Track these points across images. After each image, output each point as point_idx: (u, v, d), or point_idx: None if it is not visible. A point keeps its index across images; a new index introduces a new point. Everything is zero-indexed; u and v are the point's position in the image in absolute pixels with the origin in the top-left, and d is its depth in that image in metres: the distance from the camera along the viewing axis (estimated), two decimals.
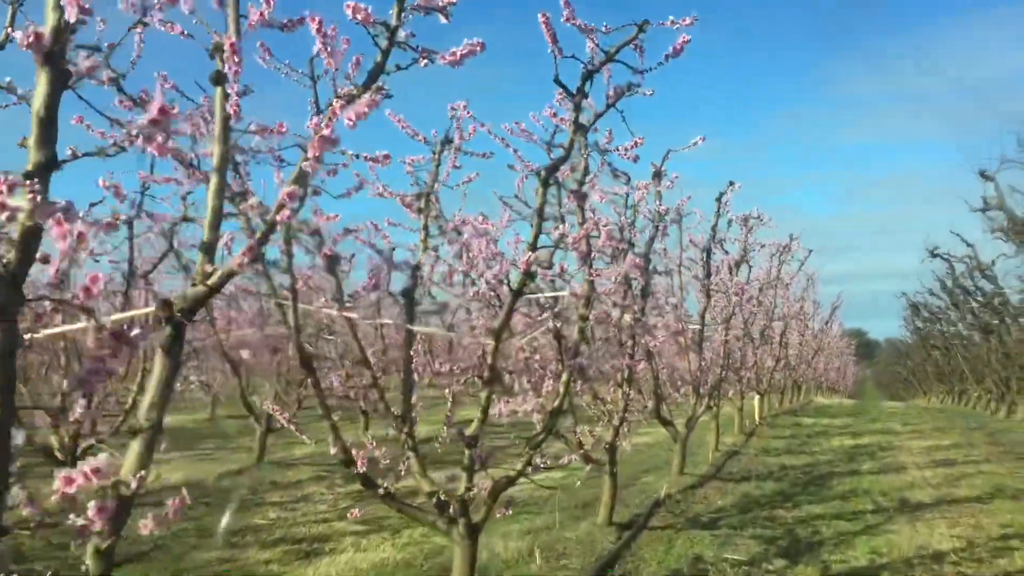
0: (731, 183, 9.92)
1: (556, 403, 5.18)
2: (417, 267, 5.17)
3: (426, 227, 5.41)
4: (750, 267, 15.69)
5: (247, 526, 7.77)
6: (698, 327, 10.20)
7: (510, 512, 4.87)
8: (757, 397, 17.89)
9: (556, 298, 5.46)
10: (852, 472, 11.44)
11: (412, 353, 4.99)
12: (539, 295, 4.86)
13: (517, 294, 4.62)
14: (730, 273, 11.93)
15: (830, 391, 49.57)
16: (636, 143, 5.15)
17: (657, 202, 7.39)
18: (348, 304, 5.10)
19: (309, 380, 4.61)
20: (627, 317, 7.49)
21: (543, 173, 4.52)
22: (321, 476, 10.25)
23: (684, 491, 9.51)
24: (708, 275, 10.24)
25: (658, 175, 7.39)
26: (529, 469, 5.00)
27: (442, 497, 4.73)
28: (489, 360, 4.77)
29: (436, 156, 5.37)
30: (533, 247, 4.54)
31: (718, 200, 10.06)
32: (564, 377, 5.20)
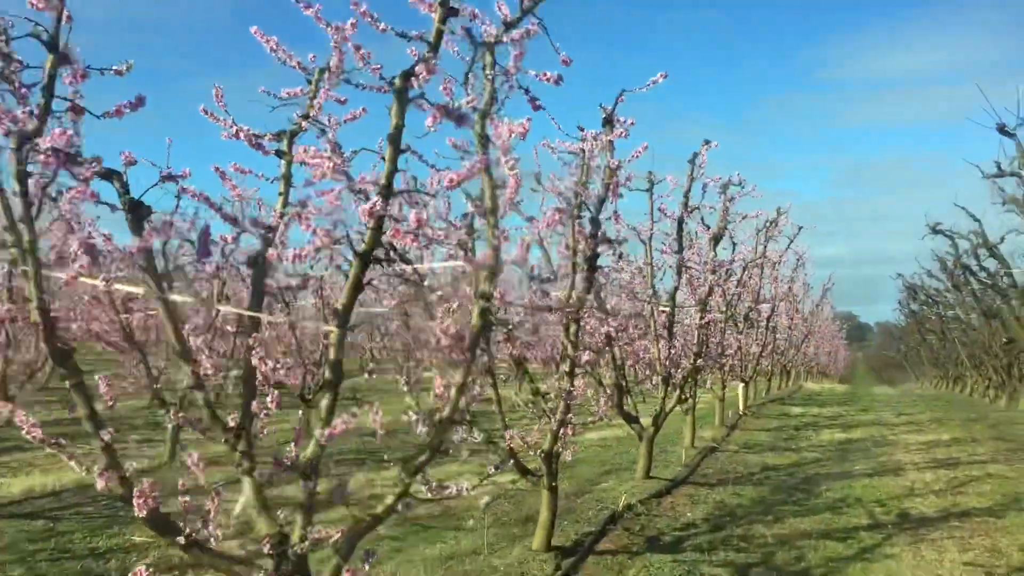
0: (706, 142, 8.50)
1: (448, 410, 3.78)
2: (270, 228, 3.77)
3: (287, 176, 4.02)
4: (734, 244, 14.35)
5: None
6: (668, 309, 8.81)
7: (368, 566, 3.47)
8: (741, 385, 16.54)
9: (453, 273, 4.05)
10: (843, 474, 10.09)
11: (259, 343, 3.59)
12: (406, 265, 3.43)
13: (364, 261, 3.21)
14: (711, 248, 10.53)
15: (821, 375, 48.46)
16: (565, 62, 3.74)
17: (608, 156, 5.95)
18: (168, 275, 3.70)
19: (68, 382, 3.19)
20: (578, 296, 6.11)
21: (397, 80, 3.08)
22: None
23: (648, 500, 8.14)
24: (680, 249, 8.83)
25: (609, 122, 5.96)
26: (401, 506, 3.60)
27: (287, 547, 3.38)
28: (332, 354, 3.36)
29: (312, 87, 3.98)
30: (386, 189, 3.12)
31: (691, 162, 8.63)
32: (457, 377, 3.79)
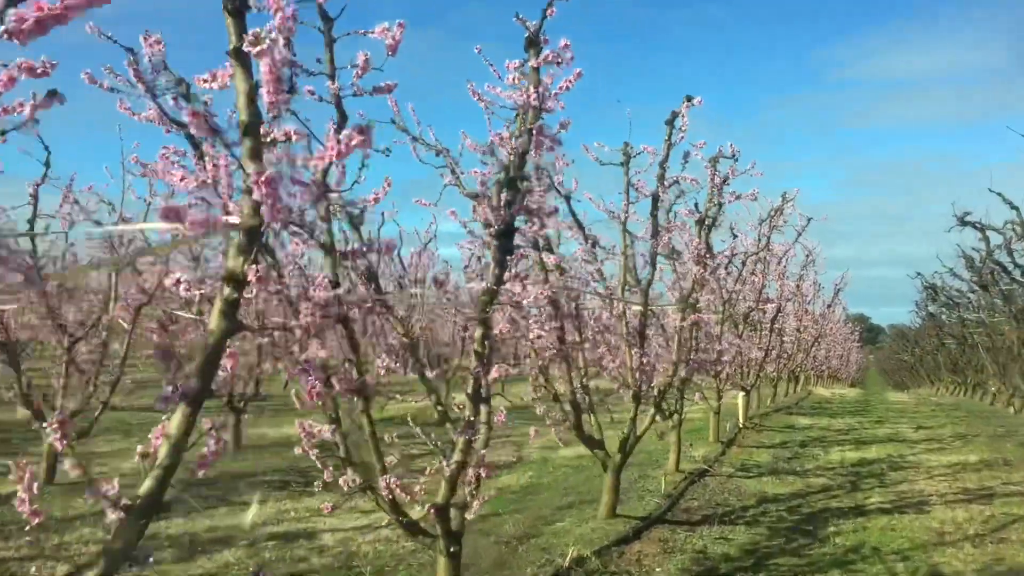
0: (688, 98, 6.75)
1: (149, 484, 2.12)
2: None
3: None
4: (735, 234, 12.60)
5: None
6: (639, 306, 7.09)
7: None
8: (742, 395, 14.77)
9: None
10: (856, 510, 8.35)
11: None
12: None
13: None
14: (699, 234, 8.80)
15: (832, 379, 46.53)
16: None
17: (532, 89, 4.21)
18: None
19: None
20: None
21: None
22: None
23: (608, 549, 6.42)
24: (656, 232, 7.11)
25: (534, 44, 4.24)
26: None
27: None
28: None
29: None
30: None
31: (669, 123, 6.90)
32: (174, 423, 2.11)
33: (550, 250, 6.41)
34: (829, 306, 27.24)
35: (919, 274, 31.17)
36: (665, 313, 8.08)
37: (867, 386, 57.97)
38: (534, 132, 4.20)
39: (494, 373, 4.17)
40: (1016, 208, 13.56)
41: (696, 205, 8.51)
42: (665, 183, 7.02)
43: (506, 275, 4.31)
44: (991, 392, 27.09)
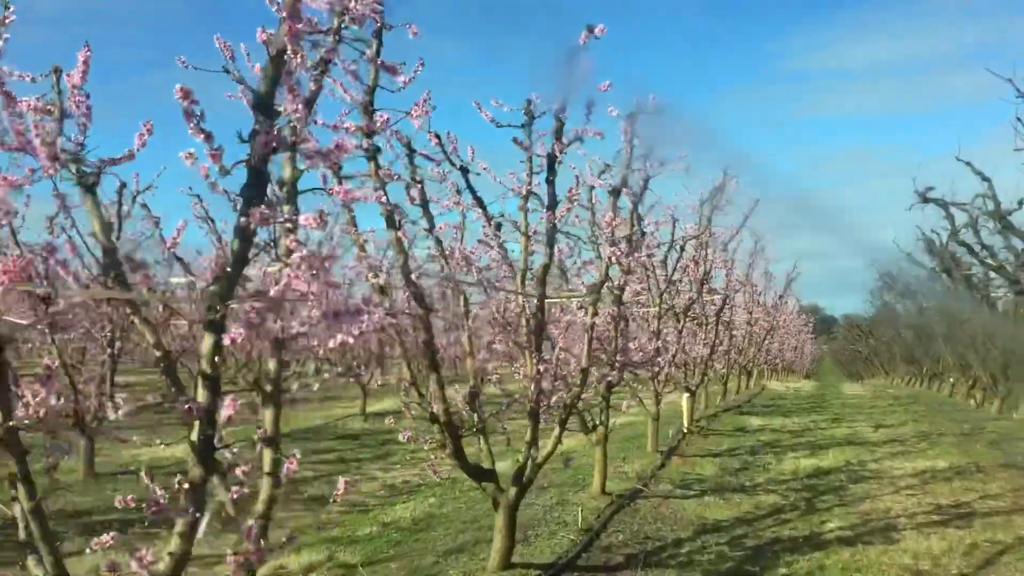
0: (589, 28, 5.18)
1: None
2: None
3: None
4: (675, 221, 11.10)
5: None
6: (534, 297, 5.53)
7: None
8: (686, 396, 13.31)
9: None
10: (811, 541, 6.90)
11: None
12: None
13: None
14: (631, 211, 7.31)
15: (786, 371, 45.65)
16: None
17: None
18: None
19: None
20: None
21: None
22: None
23: None
24: (552, 204, 5.55)
25: None
26: None
27: None
28: None
29: None
30: None
31: (566, 62, 5.33)
32: None
33: (394, 225, 4.82)
34: (781, 297, 26.06)
35: (875, 260, 30.01)
36: (571, 308, 6.52)
37: (821, 377, 57.34)
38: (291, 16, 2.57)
39: (227, 409, 2.56)
40: (988, 179, 12.25)
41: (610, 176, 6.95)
42: (564, 140, 5.46)
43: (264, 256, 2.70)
44: (949, 383, 26.09)
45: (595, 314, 6.08)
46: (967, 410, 20.41)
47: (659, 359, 10.17)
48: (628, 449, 11.51)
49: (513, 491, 5.68)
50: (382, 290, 5.15)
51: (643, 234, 9.96)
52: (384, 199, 4.91)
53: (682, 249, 10.83)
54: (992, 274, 13.55)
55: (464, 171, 6.27)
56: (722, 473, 10.16)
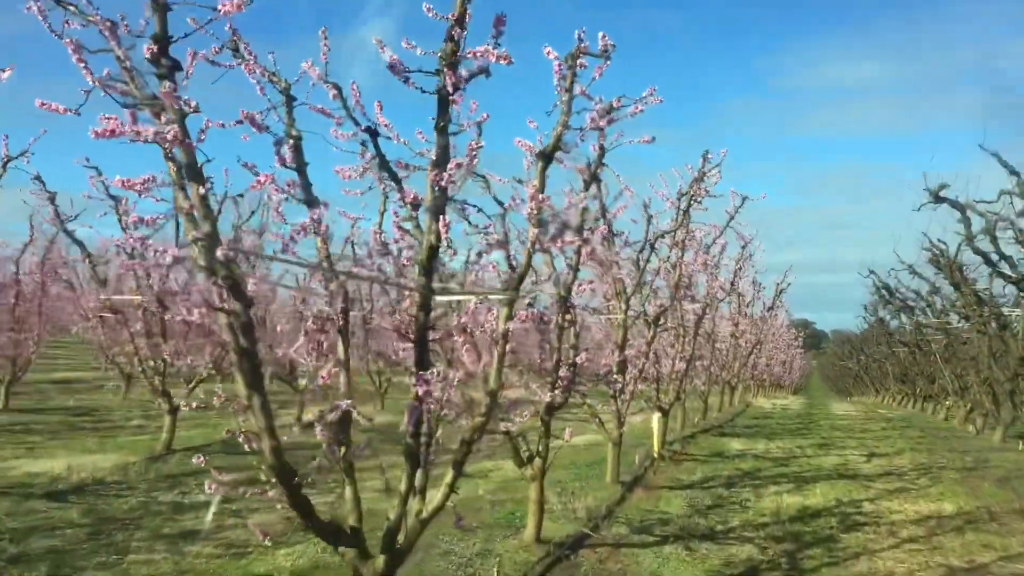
0: None
1: None
2: None
3: None
4: (650, 217, 9.52)
5: None
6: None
7: None
8: (657, 417, 11.73)
9: None
10: None
11: None
12: None
13: None
14: (583, 190, 5.75)
15: (774, 387, 44.17)
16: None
17: None
18: None
19: None
20: None
21: None
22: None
23: None
24: (442, 161, 3.97)
25: None
26: None
27: None
28: None
29: None
30: None
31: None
32: None
33: (198, 177, 3.23)
34: (770, 308, 24.52)
35: (872, 272, 28.49)
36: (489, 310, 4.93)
37: (810, 393, 55.92)
38: None
39: None
40: (1017, 173, 10.61)
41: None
42: (461, 71, 3.88)
43: None
44: (945, 407, 24.54)
45: (509, 318, 4.49)
46: (966, 437, 18.87)
47: (613, 377, 8.60)
48: (585, 478, 9.94)
49: (381, 560, 4.08)
50: (209, 271, 3.55)
51: (608, 225, 8.41)
52: (181, 137, 3.31)
53: (653, 248, 9.25)
54: (1009, 287, 12.00)
55: (372, 132, 4.69)
56: (690, 512, 8.59)
